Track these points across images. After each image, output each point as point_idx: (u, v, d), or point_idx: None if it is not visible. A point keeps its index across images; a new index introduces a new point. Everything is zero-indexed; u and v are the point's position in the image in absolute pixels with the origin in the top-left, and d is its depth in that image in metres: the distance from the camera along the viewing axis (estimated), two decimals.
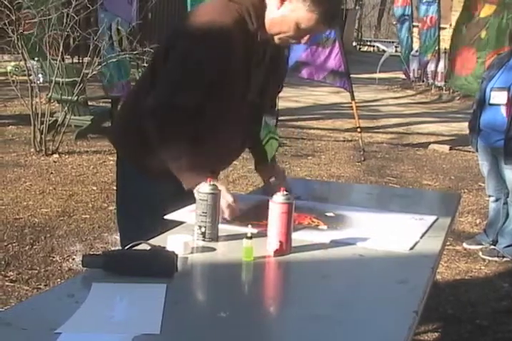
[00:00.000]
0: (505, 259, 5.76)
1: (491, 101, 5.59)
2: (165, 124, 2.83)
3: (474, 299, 4.97)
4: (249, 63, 2.90)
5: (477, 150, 5.93)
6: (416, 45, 21.02)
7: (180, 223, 2.78)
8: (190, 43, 2.82)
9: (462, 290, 5.12)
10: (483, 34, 10.70)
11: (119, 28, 11.44)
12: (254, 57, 2.91)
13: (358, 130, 10.44)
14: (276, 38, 2.87)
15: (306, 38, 2.87)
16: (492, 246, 5.89)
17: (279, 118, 12.29)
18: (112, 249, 5.17)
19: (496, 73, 5.67)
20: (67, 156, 8.77)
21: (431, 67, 18.60)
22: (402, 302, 2.13)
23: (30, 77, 9.08)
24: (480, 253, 5.86)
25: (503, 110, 5.50)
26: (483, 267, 5.65)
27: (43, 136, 8.81)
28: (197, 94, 2.82)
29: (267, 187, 3.20)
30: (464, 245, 6.05)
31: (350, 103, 10.38)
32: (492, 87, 5.61)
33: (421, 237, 2.75)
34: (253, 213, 2.87)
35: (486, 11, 10.63)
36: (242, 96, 2.96)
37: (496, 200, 5.93)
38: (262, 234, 2.50)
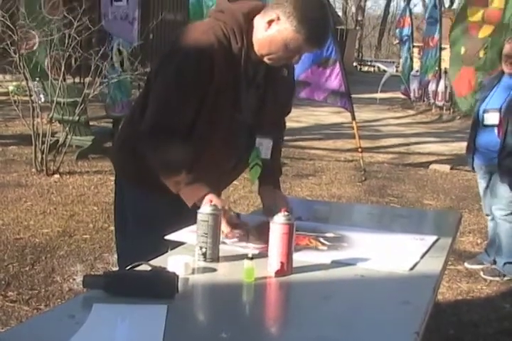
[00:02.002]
0: (506, 278, 5.75)
1: (485, 123, 5.65)
2: (158, 145, 2.87)
3: (476, 319, 4.95)
4: (236, 82, 2.90)
5: (473, 169, 5.97)
6: (416, 65, 21.10)
7: (181, 243, 2.78)
8: (173, 65, 2.85)
9: (464, 311, 5.11)
10: (481, 54, 10.73)
11: (121, 48, 11.48)
12: (242, 76, 2.91)
13: (359, 150, 10.45)
14: (266, 58, 2.89)
15: (296, 58, 2.89)
16: (493, 266, 5.88)
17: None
18: (113, 269, 5.16)
19: (488, 94, 5.74)
20: (68, 176, 8.77)
21: (432, 86, 18.65)
22: (403, 323, 2.13)
23: (32, 97, 9.10)
24: (481, 274, 5.85)
25: (497, 131, 5.56)
26: (484, 287, 5.63)
27: (44, 156, 8.81)
28: (184, 114, 2.86)
29: (267, 211, 3.19)
30: (466, 265, 6.04)
31: (351, 123, 10.40)
32: (484, 109, 5.67)
33: (421, 257, 2.74)
34: (254, 234, 2.87)
35: (484, 31, 10.67)
36: (231, 117, 2.95)
37: (493, 219, 5.93)
38: (263, 255, 2.50)
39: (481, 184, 5.98)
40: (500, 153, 5.49)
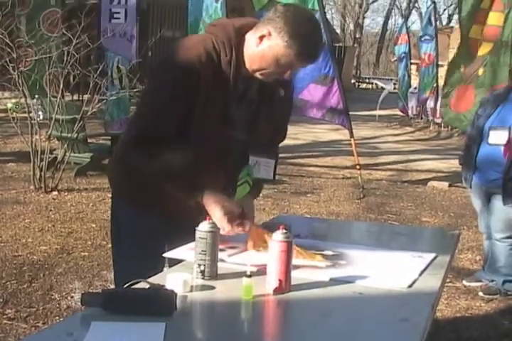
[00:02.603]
0: (506, 297, 5.73)
1: (490, 141, 5.48)
2: (147, 156, 2.87)
3: (475, 336, 4.94)
4: (225, 95, 2.90)
5: (470, 187, 5.87)
6: (414, 83, 21.16)
7: (179, 261, 2.78)
8: (158, 77, 2.90)
9: (463, 328, 5.09)
10: (480, 71, 10.76)
11: (120, 66, 11.50)
12: (231, 89, 2.91)
13: (357, 167, 10.46)
14: (257, 74, 2.89)
15: (287, 73, 2.89)
16: (490, 284, 5.86)
17: (278, 155, 12.32)
18: (111, 286, 5.15)
19: (494, 111, 5.57)
20: (66, 193, 8.76)
21: (430, 104, 18.69)
22: (402, 340, 2.13)
23: (30, 115, 9.11)
24: (480, 293, 5.82)
25: (503, 150, 5.41)
26: (483, 304, 5.62)
27: (42, 173, 8.81)
28: (170, 125, 2.86)
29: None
30: (464, 282, 6.01)
31: (350, 140, 10.41)
32: (491, 126, 5.50)
33: (420, 275, 2.74)
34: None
35: (483, 48, 10.70)
36: (222, 132, 2.94)
37: (489, 238, 5.89)
38: (262, 273, 2.50)
39: (477, 202, 5.91)
40: (506, 174, 5.40)
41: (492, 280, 5.86)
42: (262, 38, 2.80)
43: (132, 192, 3.09)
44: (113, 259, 3.41)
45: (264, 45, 2.81)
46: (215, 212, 2.80)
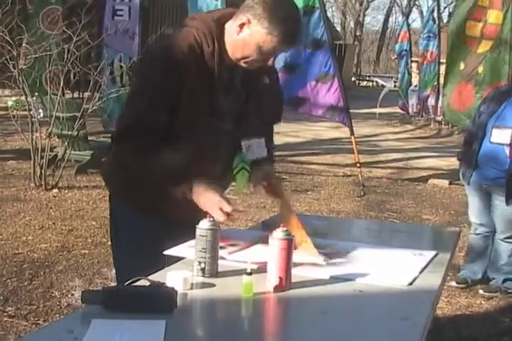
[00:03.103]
0: (506, 295, 5.72)
1: (493, 140, 5.43)
2: (136, 146, 2.89)
3: (476, 334, 4.94)
4: (211, 86, 2.91)
5: (468, 184, 5.82)
6: (415, 80, 21.16)
7: (180, 259, 2.78)
8: (142, 71, 2.97)
9: (463, 326, 5.09)
10: (480, 69, 10.76)
11: (121, 64, 11.51)
12: (216, 80, 2.92)
13: (358, 165, 10.45)
14: (242, 62, 2.90)
15: (271, 59, 2.92)
16: (491, 283, 5.84)
17: (279, 153, 12.32)
18: (112, 284, 5.15)
19: (497, 108, 5.50)
20: (66, 191, 8.76)
21: (431, 101, 18.67)
22: (402, 338, 2.13)
23: (31, 112, 9.11)
24: (480, 291, 5.81)
25: (507, 150, 5.35)
26: (483, 302, 5.62)
27: (42, 171, 8.81)
28: (158, 117, 2.87)
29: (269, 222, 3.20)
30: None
31: (350, 138, 10.40)
32: (494, 124, 5.44)
33: (420, 272, 2.74)
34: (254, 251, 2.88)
35: (483, 46, 10.71)
36: (210, 122, 2.95)
37: (485, 237, 5.86)
38: (262, 270, 2.50)
39: (475, 201, 5.85)
40: (510, 174, 5.40)
41: (493, 278, 5.86)
42: (242, 26, 2.82)
43: (127, 189, 3.09)
44: (113, 257, 3.41)
45: (244, 33, 2.82)
46: (207, 200, 2.81)
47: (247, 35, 2.82)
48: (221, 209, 2.77)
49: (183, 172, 2.85)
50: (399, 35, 22.35)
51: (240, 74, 3.01)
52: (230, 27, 2.87)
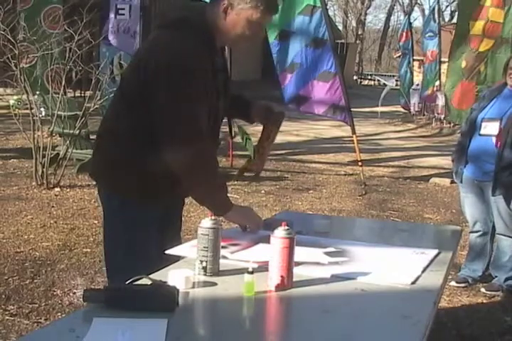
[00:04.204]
0: (508, 294, 5.71)
1: (482, 132, 5.50)
2: (198, 155, 2.94)
3: (477, 333, 4.93)
4: (214, 75, 3.03)
5: (461, 182, 5.83)
6: (416, 79, 21.16)
7: (182, 257, 2.78)
8: (175, 78, 2.89)
9: (465, 325, 5.09)
10: (482, 68, 10.77)
11: (121, 62, 11.51)
12: (215, 68, 3.05)
13: (359, 164, 10.46)
14: (236, 43, 3.11)
15: (261, 32, 3.10)
16: (493, 281, 5.84)
17: (281, 151, 12.33)
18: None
19: (487, 104, 5.61)
20: (68, 190, 8.77)
21: (437, 101, 18.63)
22: (404, 337, 2.13)
23: (33, 111, 9.11)
24: (482, 289, 5.81)
25: (494, 141, 5.43)
26: (485, 301, 5.61)
27: (44, 170, 8.81)
28: (204, 119, 2.97)
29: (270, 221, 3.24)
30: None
31: (352, 137, 10.41)
32: (483, 118, 5.53)
33: (422, 271, 2.74)
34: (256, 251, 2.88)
35: (485, 45, 10.72)
36: (215, 105, 3.07)
37: (483, 234, 5.85)
38: (263, 269, 2.50)
39: (468, 198, 5.84)
40: (497, 165, 5.41)
41: (495, 277, 5.85)
42: (225, 10, 2.95)
43: (116, 181, 3.12)
44: (106, 250, 3.43)
45: (231, 15, 2.96)
46: (249, 217, 3.15)
47: (234, 16, 2.96)
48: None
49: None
50: (401, 34, 22.34)
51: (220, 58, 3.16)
52: (213, 16, 2.98)
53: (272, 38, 10.60)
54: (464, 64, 11.17)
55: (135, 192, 3.04)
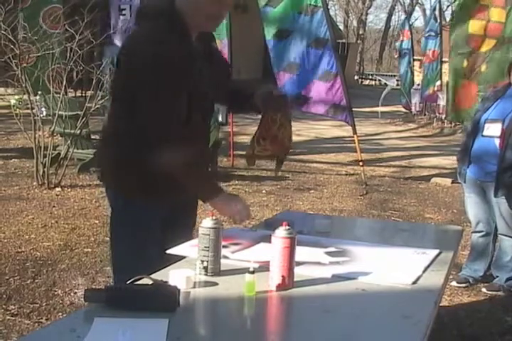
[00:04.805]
0: (509, 294, 5.70)
1: (484, 133, 5.51)
2: (170, 147, 2.90)
3: (478, 333, 4.93)
4: (195, 64, 3.00)
5: (465, 182, 5.85)
6: (417, 79, 21.16)
7: (182, 257, 2.78)
8: (149, 71, 2.89)
9: (466, 324, 5.09)
10: (483, 68, 10.76)
11: None
12: (196, 56, 3.03)
13: (360, 163, 10.45)
14: (208, 25, 3.06)
15: (224, 9, 3.06)
16: (494, 280, 5.84)
17: None
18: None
19: (491, 105, 5.61)
20: (69, 190, 8.76)
21: (439, 101, 18.62)
22: (405, 337, 2.13)
23: (34, 111, 9.11)
24: (483, 289, 5.80)
25: (497, 142, 5.44)
26: (486, 301, 5.61)
27: (45, 170, 8.81)
28: (178, 111, 2.96)
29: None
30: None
31: (353, 137, 10.41)
32: (486, 119, 5.54)
33: (423, 271, 2.74)
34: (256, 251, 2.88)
35: (486, 45, 10.70)
36: (202, 92, 3.06)
37: (485, 235, 5.85)
38: (264, 269, 2.50)
39: (472, 198, 5.86)
40: (499, 166, 5.42)
41: (496, 276, 5.85)
42: None
43: (120, 181, 3.13)
44: (111, 250, 3.42)
45: None
46: (234, 206, 3.03)
47: None
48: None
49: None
50: (399, 34, 22.35)
51: (203, 44, 3.14)
52: (181, 1, 2.99)
53: (269, 36, 10.60)
54: (465, 64, 11.15)
55: (137, 192, 3.04)
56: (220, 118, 2.66)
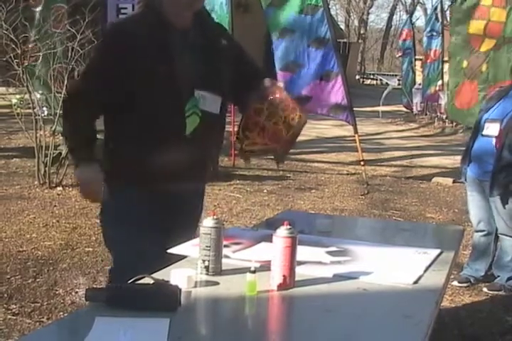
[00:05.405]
0: (510, 293, 5.70)
1: (484, 133, 5.56)
2: (67, 110, 3.33)
3: (479, 333, 4.93)
4: (162, 50, 3.06)
5: (466, 181, 5.88)
6: (419, 78, 21.16)
7: (184, 257, 2.78)
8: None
9: (467, 324, 5.09)
10: (484, 68, 10.75)
11: None
12: (167, 47, 3.08)
13: (362, 163, 10.45)
14: (186, 8, 3.10)
15: None
16: (495, 280, 5.83)
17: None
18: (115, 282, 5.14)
19: (493, 105, 5.66)
20: (70, 189, 8.76)
21: (440, 100, 18.61)
22: (406, 337, 2.13)
23: (35, 110, 9.11)
24: (484, 289, 5.80)
25: (494, 142, 5.47)
26: (487, 300, 5.61)
27: (46, 169, 8.81)
28: (91, 84, 3.14)
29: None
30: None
31: (354, 136, 10.41)
32: (487, 118, 5.59)
33: (425, 271, 2.74)
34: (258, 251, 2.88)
35: (486, 45, 10.69)
36: (166, 86, 3.07)
37: (487, 234, 5.85)
38: (266, 268, 2.50)
39: (472, 196, 5.86)
40: (495, 165, 5.43)
41: (498, 276, 5.85)
42: None
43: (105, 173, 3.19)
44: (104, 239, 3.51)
45: None
46: (85, 185, 3.22)
47: None
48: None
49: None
50: (401, 33, 22.34)
51: (197, 40, 3.16)
52: None
53: (273, 36, 10.61)
54: (465, 64, 11.15)
55: (118, 183, 3.10)
56: (205, 107, 2.64)
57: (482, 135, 5.58)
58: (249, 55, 3.57)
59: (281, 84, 3.30)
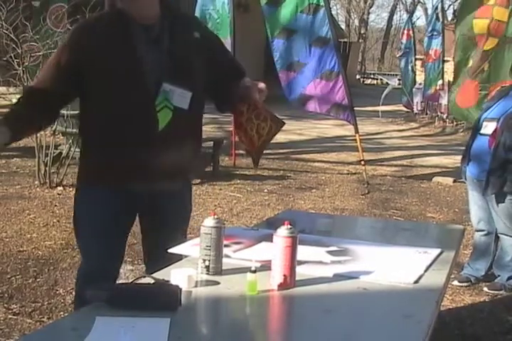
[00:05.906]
0: (511, 293, 5.70)
1: (482, 131, 5.56)
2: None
3: (480, 333, 4.93)
4: (124, 43, 3.10)
5: (465, 180, 5.89)
6: (419, 78, 21.15)
7: (184, 256, 2.79)
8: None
9: (467, 324, 5.08)
10: (486, 67, 10.75)
11: None
12: (128, 41, 3.11)
13: (362, 163, 10.44)
14: (132, 8, 3.12)
15: None
16: (496, 280, 5.83)
17: (284, 150, 12.33)
18: (117, 282, 5.14)
19: (493, 104, 5.67)
20: (71, 189, 8.75)
21: (441, 100, 18.59)
22: (407, 336, 2.13)
23: None
24: (485, 289, 5.80)
25: (489, 140, 5.47)
26: (488, 300, 5.60)
27: (47, 169, 8.81)
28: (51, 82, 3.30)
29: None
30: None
31: (354, 136, 10.40)
32: (485, 117, 5.60)
33: (425, 270, 2.74)
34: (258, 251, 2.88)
35: (489, 44, 10.69)
36: (132, 80, 3.10)
37: (488, 234, 5.85)
38: (266, 268, 2.50)
39: (472, 195, 5.87)
40: (490, 164, 5.43)
41: (498, 276, 5.85)
42: None
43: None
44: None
45: None
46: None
47: None
48: None
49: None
50: (403, 33, 22.33)
51: (166, 31, 3.17)
52: None
53: (273, 35, 10.60)
54: (470, 63, 11.15)
55: (86, 182, 3.23)
56: (173, 100, 2.65)
57: (480, 134, 5.58)
58: (228, 51, 3.65)
59: (262, 84, 3.26)
